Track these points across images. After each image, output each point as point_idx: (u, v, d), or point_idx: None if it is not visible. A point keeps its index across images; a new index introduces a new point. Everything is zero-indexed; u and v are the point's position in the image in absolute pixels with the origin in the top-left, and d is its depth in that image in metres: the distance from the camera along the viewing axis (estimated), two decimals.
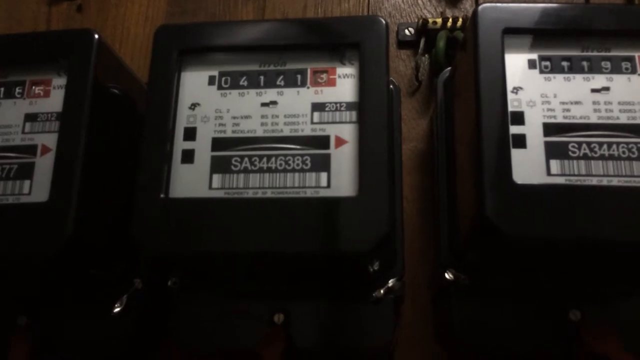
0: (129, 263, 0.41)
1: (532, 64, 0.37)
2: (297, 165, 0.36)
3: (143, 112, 0.38)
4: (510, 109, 0.36)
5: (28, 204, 0.37)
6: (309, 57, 0.39)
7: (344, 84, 0.39)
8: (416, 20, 0.55)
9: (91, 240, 0.38)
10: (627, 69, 0.37)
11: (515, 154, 0.35)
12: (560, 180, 0.34)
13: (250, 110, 0.38)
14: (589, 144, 0.35)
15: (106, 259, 0.40)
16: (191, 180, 0.37)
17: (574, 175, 0.35)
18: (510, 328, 0.39)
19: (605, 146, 0.35)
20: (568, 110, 0.36)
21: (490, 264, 0.39)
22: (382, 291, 0.39)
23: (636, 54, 0.37)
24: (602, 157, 0.35)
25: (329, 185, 0.36)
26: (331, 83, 0.39)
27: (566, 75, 0.37)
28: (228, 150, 0.37)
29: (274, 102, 0.39)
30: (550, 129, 0.36)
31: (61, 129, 0.38)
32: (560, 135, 0.36)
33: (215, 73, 0.40)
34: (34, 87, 0.41)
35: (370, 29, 0.39)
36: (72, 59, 0.40)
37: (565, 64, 0.37)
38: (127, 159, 0.41)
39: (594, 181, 0.34)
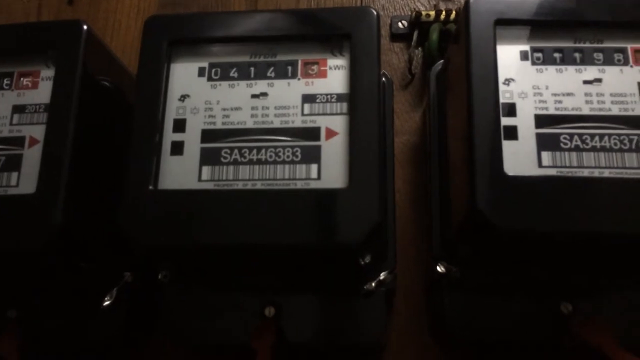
0: (118, 256, 0.41)
1: (524, 56, 0.37)
2: (288, 157, 0.36)
3: (133, 104, 0.38)
4: (502, 100, 0.36)
5: (15, 196, 0.37)
6: (300, 48, 0.39)
7: (335, 75, 0.38)
8: (409, 12, 0.55)
9: (79, 232, 0.38)
10: (619, 60, 0.37)
11: (507, 145, 0.35)
12: (552, 172, 0.34)
13: (240, 101, 0.38)
14: (580, 135, 0.35)
15: (95, 251, 0.40)
16: (180, 172, 0.37)
17: (565, 167, 0.34)
18: (502, 320, 0.39)
19: (597, 138, 0.35)
20: (560, 101, 0.36)
21: (482, 256, 0.38)
22: (373, 284, 0.39)
23: (628, 46, 0.37)
24: (593, 149, 0.35)
25: (319, 177, 0.36)
26: (322, 74, 0.38)
27: (558, 67, 0.37)
28: (218, 142, 0.37)
29: (265, 94, 0.38)
30: (542, 120, 0.35)
31: (49, 121, 0.38)
32: (551, 127, 0.35)
33: (205, 64, 0.39)
34: (22, 79, 0.40)
35: (362, 19, 0.38)
36: (60, 50, 0.39)
37: (557, 55, 0.37)
38: (116, 151, 0.40)
39: (585, 173, 0.34)
